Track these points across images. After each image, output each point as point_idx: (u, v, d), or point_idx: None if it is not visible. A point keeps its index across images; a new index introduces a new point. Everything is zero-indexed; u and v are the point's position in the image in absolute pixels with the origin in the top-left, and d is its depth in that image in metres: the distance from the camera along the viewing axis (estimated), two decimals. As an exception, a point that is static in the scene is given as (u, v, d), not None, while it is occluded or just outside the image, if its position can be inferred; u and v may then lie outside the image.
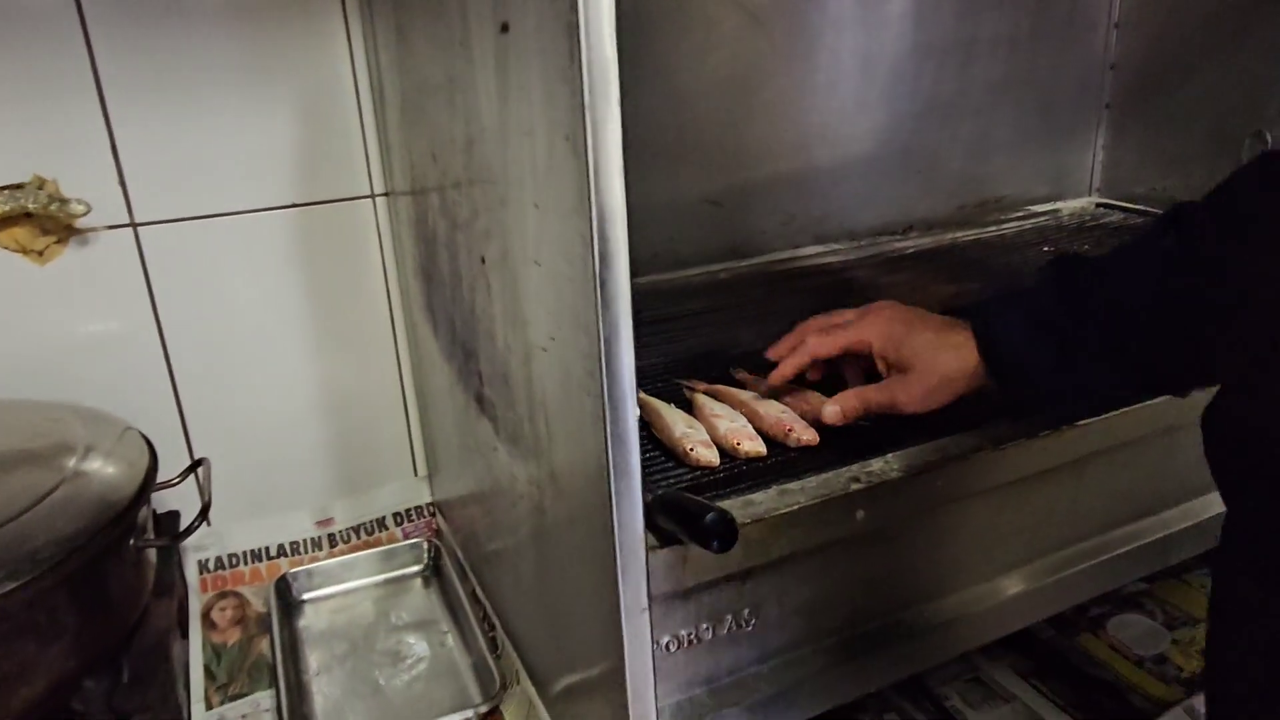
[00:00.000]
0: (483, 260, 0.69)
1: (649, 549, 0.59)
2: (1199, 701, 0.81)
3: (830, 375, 0.77)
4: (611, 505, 0.51)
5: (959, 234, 1.27)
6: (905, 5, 1.18)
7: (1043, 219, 1.32)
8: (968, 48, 1.24)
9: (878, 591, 0.75)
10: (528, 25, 0.50)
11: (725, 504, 0.64)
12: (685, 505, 0.57)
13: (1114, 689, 0.84)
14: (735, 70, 1.12)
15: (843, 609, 0.73)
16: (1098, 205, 1.37)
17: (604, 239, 0.46)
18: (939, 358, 0.68)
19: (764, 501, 0.64)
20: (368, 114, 0.98)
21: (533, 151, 0.53)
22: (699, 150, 1.14)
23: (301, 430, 1.06)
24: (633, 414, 0.49)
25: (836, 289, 1.07)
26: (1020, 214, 1.34)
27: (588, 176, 0.45)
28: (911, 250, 1.21)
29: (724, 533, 0.54)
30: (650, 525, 0.61)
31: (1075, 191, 1.41)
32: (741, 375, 0.84)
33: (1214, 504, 0.91)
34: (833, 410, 0.71)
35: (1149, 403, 0.78)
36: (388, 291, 1.05)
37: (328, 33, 0.94)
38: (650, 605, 0.55)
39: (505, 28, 0.53)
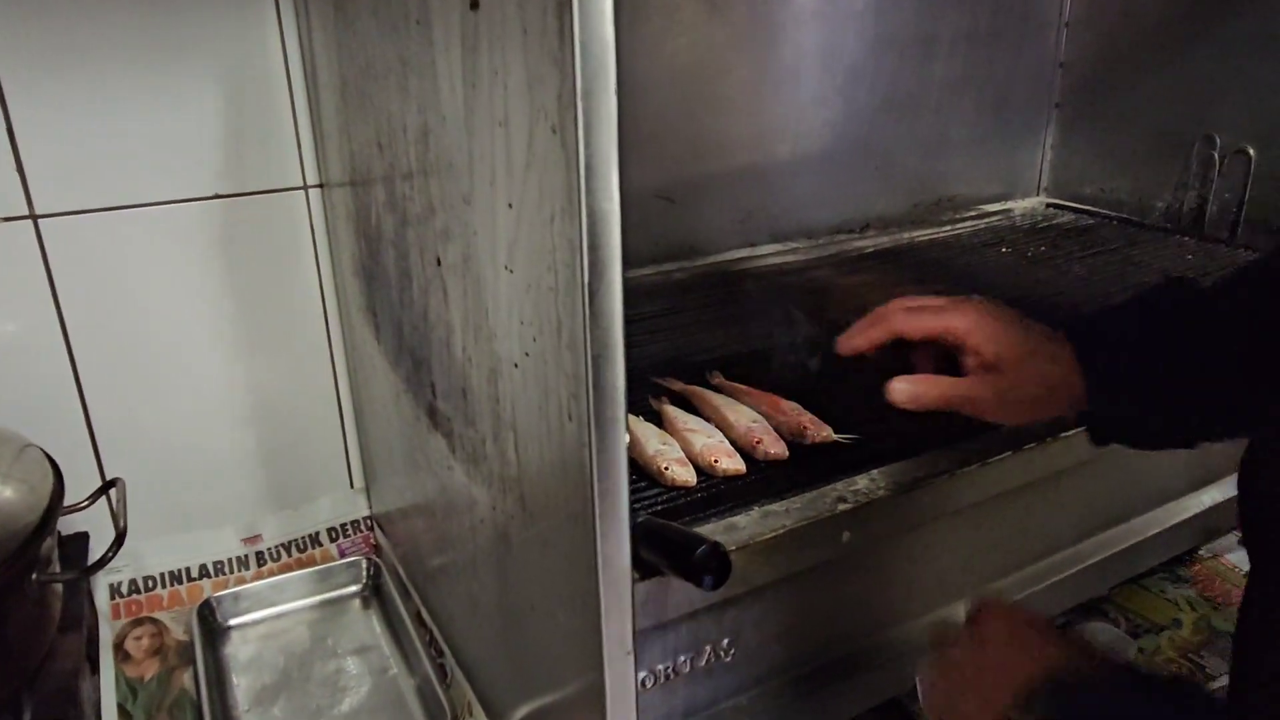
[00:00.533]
0: (438, 262, 0.62)
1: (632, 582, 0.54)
2: (1169, 713, 0.80)
3: (887, 365, 0.64)
4: (596, 542, 0.46)
5: (916, 233, 1.24)
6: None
7: (995, 219, 1.31)
8: (927, 44, 1.21)
9: (855, 614, 0.71)
10: (506, 1, 0.44)
11: (706, 528, 0.60)
12: (671, 536, 0.52)
13: (1085, 702, 0.83)
14: (693, 59, 1.07)
15: (821, 634, 0.69)
16: (1047, 205, 1.37)
17: (595, 246, 0.41)
18: (1037, 365, 0.59)
19: (747, 526, 0.60)
20: (300, 99, 0.90)
21: (507, 144, 0.47)
22: (653, 142, 1.09)
23: (226, 440, 0.97)
24: (622, 442, 0.44)
25: (797, 291, 1.03)
26: (973, 213, 1.32)
27: (578, 174, 0.40)
28: (871, 250, 1.18)
29: (717, 568, 0.49)
30: (633, 556, 0.56)
31: (1024, 191, 1.40)
32: (718, 380, 0.79)
33: (1176, 511, 0.91)
34: (904, 390, 0.59)
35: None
36: (321, 291, 0.97)
37: (254, 9, 0.86)
38: (635, 648, 0.50)
39: (475, 4, 0.47)
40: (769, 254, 1.15)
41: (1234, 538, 1.01)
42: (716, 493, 0.64)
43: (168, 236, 0.88)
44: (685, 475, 0.64)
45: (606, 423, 0.43)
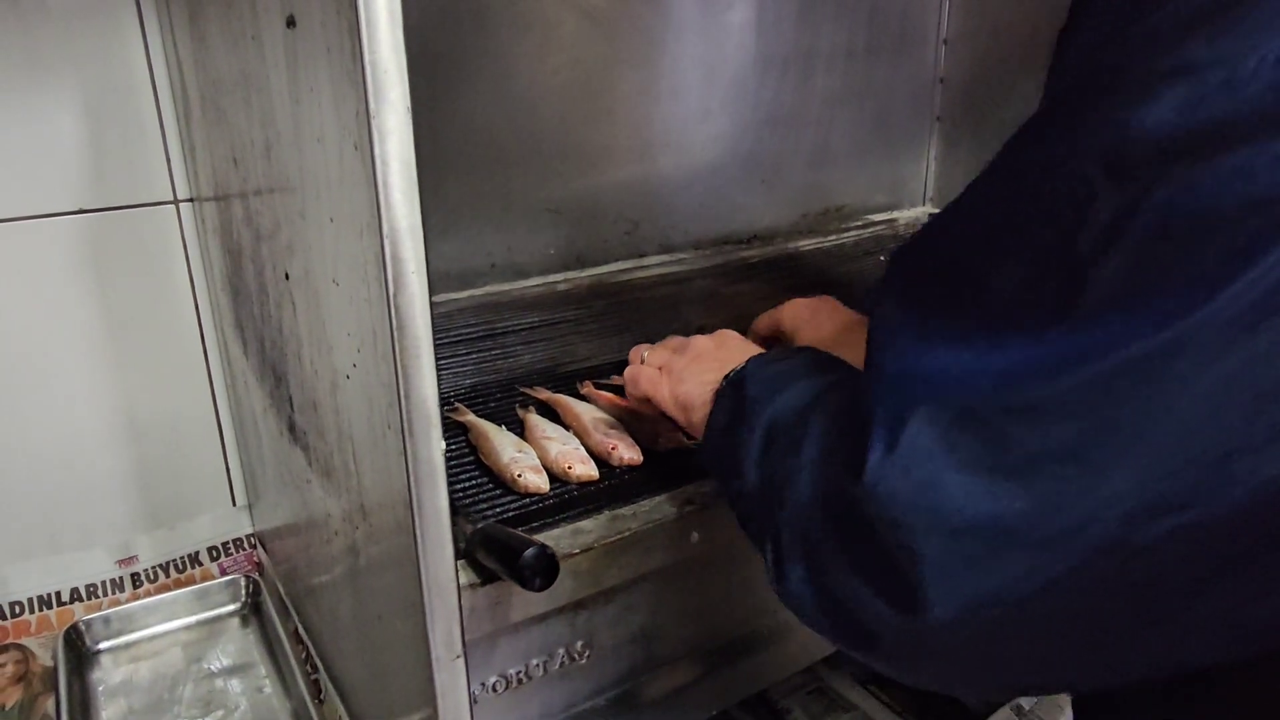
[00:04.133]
0: (287, 276, 0.63)
1: (470, 587, 0.55)
2: (1025, 699, 0.84)
3: None
4: (417, 549, 0.47)
5: (801, 243, 1.28)
6: (746, 15, 1.18)
7: (880, 228, 1.35)
8: (807, 59, 1.25)
9: (717, 611, 0.73)
10: (314, 20, 0.45)
11: (554, 533, 0.61)
12: (505, 540, 0.53)
13: (948, 692, 0.86)
14: (575, 73, 1.09)
15: (682, 632, 0.71)
16: (930, 214, 1.42)
17: (397, 259, 0.41)
18: (841, 351, 0.59)
19: (594, 530, 0.61)
20: (168, 110, 0.89)
21: (325, 160, 0.47)
22: (539, 155, 1.10)
23: (97, 460, 0.95)
24: (438, 449, 0.45)
25: (679, 300, 1.05)
26: (859, 223, 1.37)
27: (376, 190, 0.41)
28: (756, 259, 1.21)
29: (543, 569, 0.50)
30: (472, 561, 0.57)
31: (911, 201, 1.45)
32: (587, 389, 0.80)
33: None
34: None
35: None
36: (196, 305, 0.96)
37: (116, 18, 0.85)
38: (465, 651, 0.50)
39: (292, 22, 0.48)
40: (656, 265, 1.17)
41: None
42: (569, 498, 0.65)
43: (29, 253, 0.86)
44: (538, 482, 0.65)
45: (420, 430, 0.44)
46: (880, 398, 0.37)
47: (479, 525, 0.56)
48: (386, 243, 0.41)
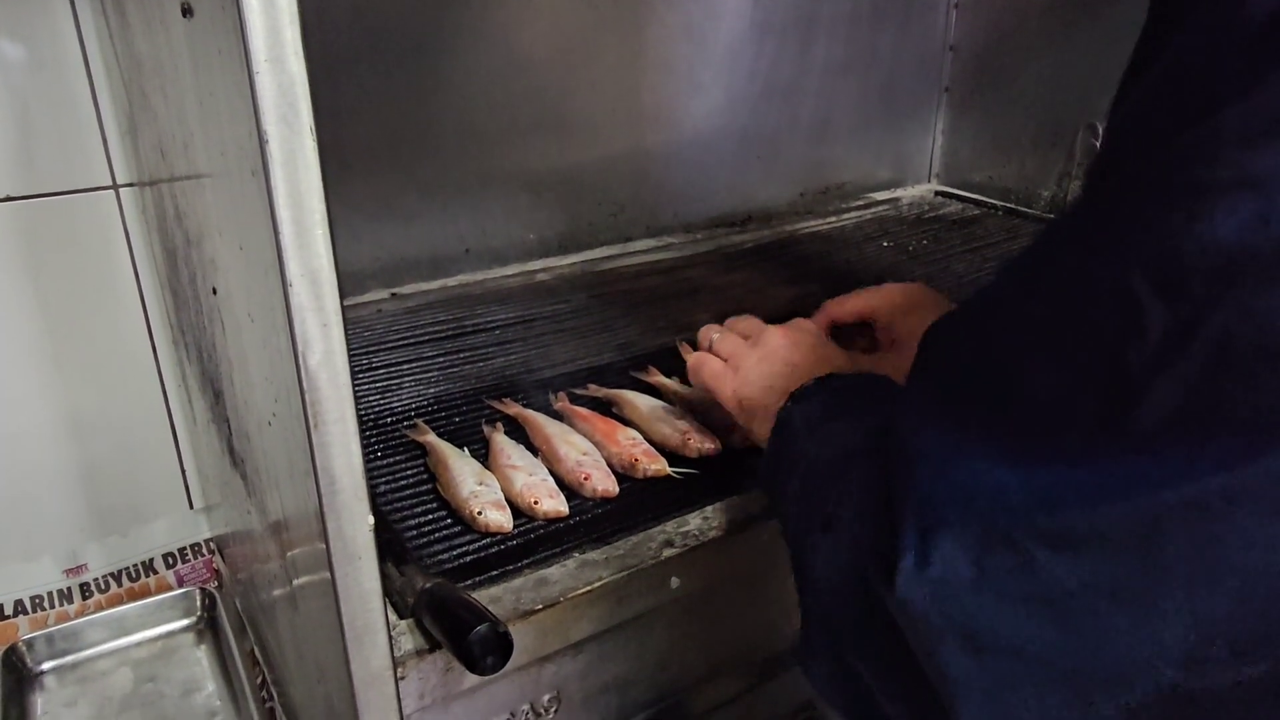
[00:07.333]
0: (215, 291, 0.55)
1: (417, 654, 0.49)
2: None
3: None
4: (345, 640, 0.40)
5: (799, 225, 1.20)
6: (741, -23, 1.09)
7: (883, 208, 1.27)
8: (807, 25, 1.16)
9: (700, 653, 0.67)
10: (206, 11, 0.37)
11: (515, 583, 0.55)
12: (452, 611, 0.46)
13: None
14: (556, 43, 1.00)
15: (661, 677, 0.65)
16: (936, 193, 1.34)
17: (301, 310, 0.34)
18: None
19: (560, 579, 0.55)
20: (102, 84, 0.81)
21: (229, 178, 0.40)
22: (517, 131, 1.02)
23: (40, 461, 0.89)
24: (364, 529, 0.38)
25: (666, 294, 0.97)
26: (861, 202, 1.29)
27: (275, 230, 0.33)
28: (750, 245, 1.13)
29: (494, 650, 0.44)
30: (420, 623, 0.50)
31: (916, 177, 1.37)
32: (562, 405, 0.73)
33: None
34: None
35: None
36: (142, 296, 0.88)
37: (38, -14, 0.76)
38: (408, 738, 0.44)
39: (187, 10, 0.40)
40: (643, 250, 1.10)
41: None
42: (535, 538, 0.59)
43: (-48, 244, 0.79)
44: (500, 520, 0.58)
45: (339, 513, 0.37)
46: (911, 503, 0.34)
47: (428, 584, 0.49)
48: (290, 291, 0.34)
